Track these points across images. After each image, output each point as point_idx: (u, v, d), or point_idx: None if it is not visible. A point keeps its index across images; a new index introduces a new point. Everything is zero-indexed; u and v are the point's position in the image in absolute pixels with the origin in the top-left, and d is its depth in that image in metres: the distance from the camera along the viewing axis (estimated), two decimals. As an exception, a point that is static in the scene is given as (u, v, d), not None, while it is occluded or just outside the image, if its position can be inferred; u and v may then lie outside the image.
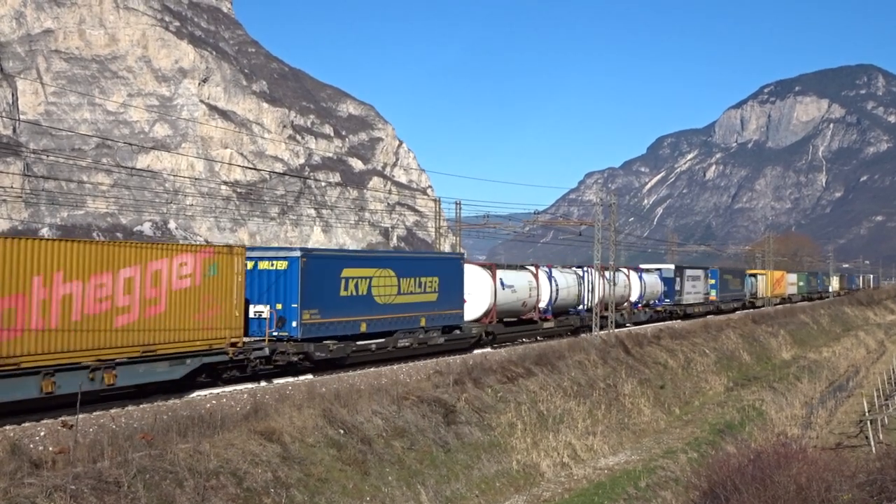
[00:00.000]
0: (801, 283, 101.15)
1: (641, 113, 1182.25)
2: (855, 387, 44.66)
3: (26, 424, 16.45)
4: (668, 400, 34.67)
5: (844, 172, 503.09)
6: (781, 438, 26.61)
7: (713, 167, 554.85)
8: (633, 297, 50.45)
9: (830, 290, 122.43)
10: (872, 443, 28.34)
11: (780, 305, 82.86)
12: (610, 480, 22.39)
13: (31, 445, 14.42)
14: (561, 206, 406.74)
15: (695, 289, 61.71)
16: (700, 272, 64.20)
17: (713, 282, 66.41)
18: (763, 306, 79.46)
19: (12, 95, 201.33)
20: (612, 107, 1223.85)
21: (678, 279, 57.68)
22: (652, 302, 53.83)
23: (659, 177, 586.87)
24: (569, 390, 28.03)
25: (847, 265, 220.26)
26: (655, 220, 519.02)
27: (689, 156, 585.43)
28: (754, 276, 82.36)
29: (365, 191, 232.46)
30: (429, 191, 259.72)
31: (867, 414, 31.38)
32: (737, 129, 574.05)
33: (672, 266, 54.97)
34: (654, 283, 53.55)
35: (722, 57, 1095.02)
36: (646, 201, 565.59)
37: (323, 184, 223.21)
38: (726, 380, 42.15)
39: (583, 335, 40.42)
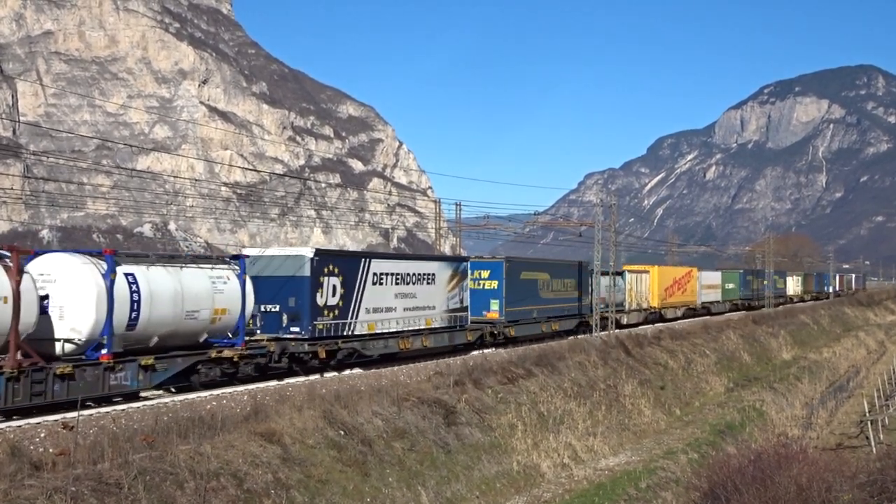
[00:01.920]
0: (731, 286, 72.32)
1: (641, 114, 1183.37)
2: (855, 387, 44.63)
3: (26, 426, 16.44)
4: (668, 401, 34.66)
5: (844, 173, 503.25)
6: (782, 439, 26.62)
7: (713, 168, 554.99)
8: (75, 333, 19.26)
9: (790, 293, 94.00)
10: (873, 443, 28.32)
11: (690, 319, 57.77)
12: (610, 481, 22.38)
13: (32, 447, 14.42)
14: (561, 206, 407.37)
15: (417, 302, 31.23)
16: (436, 266, 33.08)
17: (495, 285, 36.42)
18: (638, 324, 51.25)
19: (12, 97, 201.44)
20: (612, 108, 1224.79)
21: (331, 279, 26.88)
22: (208, 338, 22.46)
23: (659, 177, 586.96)
24: (569, 391, 28.01)
25: (847, 265, 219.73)
26: (656, 220, 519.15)
27: (689, 156, 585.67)
28: (620, 274, 50.06)
29: (365, 192, 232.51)
30: (429, 192, 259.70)
31: (867, 414, 31.37)
32: (737, 129, 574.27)
33: (305, 251, 26.66)
34: (199, 292, 21.95)
35: (722, 57, 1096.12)
36: (646, 202, 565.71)
37: (323, 185, 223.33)
38: (727, 380, 42.12)
39: (582, 335, 40.18)
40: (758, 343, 53.22)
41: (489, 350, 34.08)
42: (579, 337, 39.50)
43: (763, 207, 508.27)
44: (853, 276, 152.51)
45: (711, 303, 67.94)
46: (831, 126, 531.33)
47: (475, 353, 32.97)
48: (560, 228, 65.78)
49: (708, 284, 67.87)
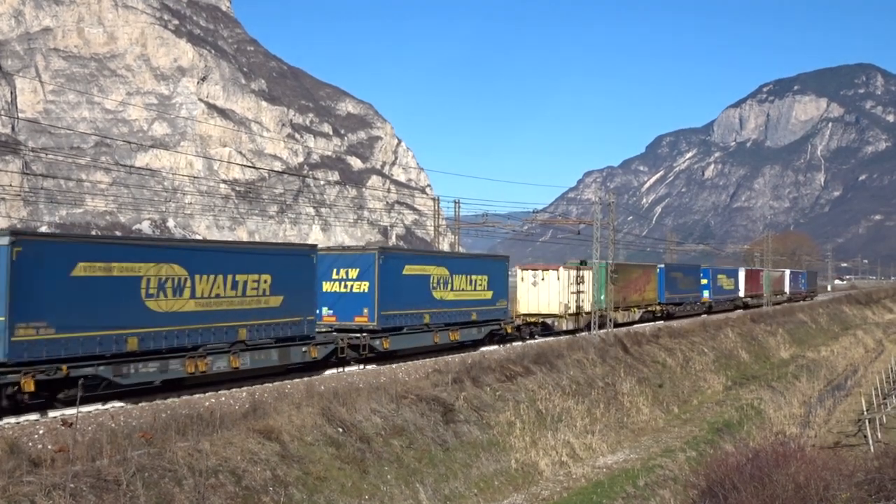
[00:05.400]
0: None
1: (640, 112, 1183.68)
2: (853, 386, 44.65)
3: (25, 422, 16.44)
4: (666, 399, 34.66)
5: (843, 171, 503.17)
6: (780, 437, 26.64)
7: (712, 166, 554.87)
8: None
9: (551, 310, 40.71)
10: (871, 442, 28.34)
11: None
12: (608, 479, 22.38)
13: (31, 444, 14.42)
14: (560, 204, 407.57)
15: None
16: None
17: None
18: None
19: (11, 94, 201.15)
20: (611, 106, 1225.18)
21: None
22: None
23: (658, 176, 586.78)
24: (567, 389, 28.01)
25: (846, 264, 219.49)
26: (654, 218, 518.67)
27: (688, 155, 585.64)
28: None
29: (364, 189, 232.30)
30: (427, 189, 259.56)
31: (865, 413, 31.37)
32: (735, 128, 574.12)
33: None
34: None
35: (721, 56, 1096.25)
36: (644, 200, 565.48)
37: (322, 182, 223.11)
38: (725, 379, 42.11)
39: (582, 334, 40.10)
40: (756, 342, 53.20)
41: (488, 348, 34.00)
42: (578, 335, 39.47)
43: (761, 206, 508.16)
44: (786, 272, 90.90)
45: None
46: (830, 125, 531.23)
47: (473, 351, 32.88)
48: (559, 226, 65.57)
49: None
